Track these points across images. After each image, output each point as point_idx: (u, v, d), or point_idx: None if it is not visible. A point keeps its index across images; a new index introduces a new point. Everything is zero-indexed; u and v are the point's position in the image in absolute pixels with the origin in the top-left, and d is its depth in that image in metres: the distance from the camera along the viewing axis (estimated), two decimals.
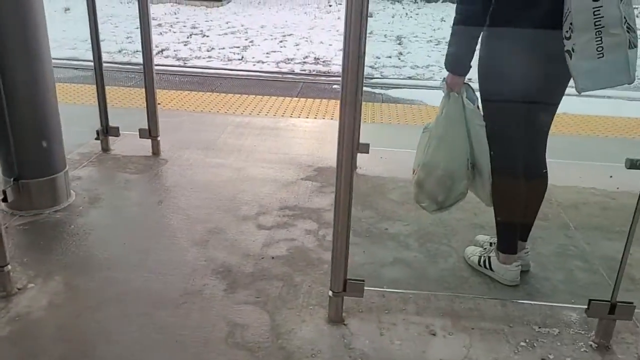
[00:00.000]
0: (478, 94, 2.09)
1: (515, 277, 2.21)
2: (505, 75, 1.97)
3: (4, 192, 2.48)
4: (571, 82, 1.91)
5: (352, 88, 1.68)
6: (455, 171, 2.11)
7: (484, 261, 2.29)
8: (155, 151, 3.39)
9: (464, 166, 2.11)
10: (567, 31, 1.78)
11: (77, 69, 6.50)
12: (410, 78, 7.13)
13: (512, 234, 2.22)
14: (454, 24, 1.94)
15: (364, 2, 1.59)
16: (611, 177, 3.22)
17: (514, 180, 2.12)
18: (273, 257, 2.38)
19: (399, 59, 8.14)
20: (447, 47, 2.03)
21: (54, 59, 2.65)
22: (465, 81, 2.05)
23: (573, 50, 1.78)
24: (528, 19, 1.87)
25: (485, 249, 2.35)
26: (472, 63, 2.00)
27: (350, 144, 1.75)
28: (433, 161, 2.13)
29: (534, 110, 2.07)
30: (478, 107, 2.07)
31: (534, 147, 2.17)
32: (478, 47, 1.98)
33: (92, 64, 3.27)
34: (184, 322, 1.97)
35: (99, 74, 3.28)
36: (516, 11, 1.90)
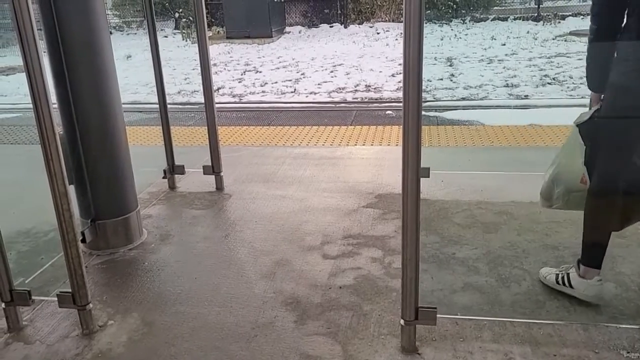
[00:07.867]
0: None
1: (598, 293, 2.09)
2: (633, 90, 1.95)
3: (83, 234, 2.61)
4: None
5: (414, 113, 1.68)
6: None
7: (562, 278, 2.18)
8: (219, 186, 3.49)
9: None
10: None
11: (140, 112, 6.83)
12: (464, 99, 7.05)
13: (600, 248, 2.11)
14: (589, 41, 2.02)
15: (421, 30, 1.60)
16: None
17: (616, 195, 2.06)
18: (340, 287, 2.37)
19: (451, 80, 8.08)
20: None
21: None
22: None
23: None
24: None
25: (562, 268, 2.25)
26: None
27: (415, 169, 1.74)
28: None
29: None
30: None
31: (635, 162, 2.10)
32: None
33: (152, 106, 3.43)
34: (257, 356, 1.98)
35: (164, 115, 3.44)
36: None
